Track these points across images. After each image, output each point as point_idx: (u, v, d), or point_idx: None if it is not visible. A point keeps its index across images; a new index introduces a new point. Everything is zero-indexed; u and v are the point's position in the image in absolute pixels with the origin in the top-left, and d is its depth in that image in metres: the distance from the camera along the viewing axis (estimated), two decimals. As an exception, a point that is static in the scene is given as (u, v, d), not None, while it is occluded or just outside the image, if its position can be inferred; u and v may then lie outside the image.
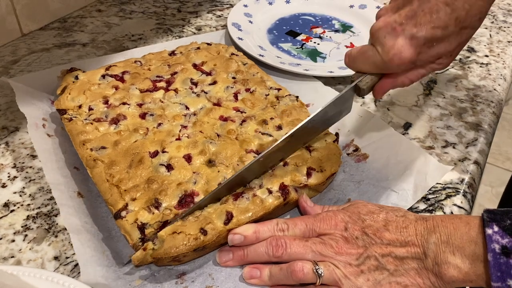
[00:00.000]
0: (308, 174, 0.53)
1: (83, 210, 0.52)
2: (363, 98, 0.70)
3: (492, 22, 0.93)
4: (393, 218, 0.46)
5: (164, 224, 0.48)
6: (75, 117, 0.58)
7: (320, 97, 0.68)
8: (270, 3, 0.91)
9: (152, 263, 0.47)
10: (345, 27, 0.87)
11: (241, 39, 0.78)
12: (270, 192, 0.50)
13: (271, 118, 0.59)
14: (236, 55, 0.72)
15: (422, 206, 0.55)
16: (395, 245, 0.44)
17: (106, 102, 0.61)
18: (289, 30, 0.85)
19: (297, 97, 0.64)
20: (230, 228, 0.47)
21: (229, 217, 0.48)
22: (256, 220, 0.49)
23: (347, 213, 0.47)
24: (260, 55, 0.75)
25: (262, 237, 0.47)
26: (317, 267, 0.44)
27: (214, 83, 0.65)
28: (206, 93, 0.63)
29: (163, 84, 0.65)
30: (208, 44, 0.74)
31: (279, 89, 0.65)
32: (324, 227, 0.47)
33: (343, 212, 0.48)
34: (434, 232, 0.43)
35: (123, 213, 0.48)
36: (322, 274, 0.44)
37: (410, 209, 0.54)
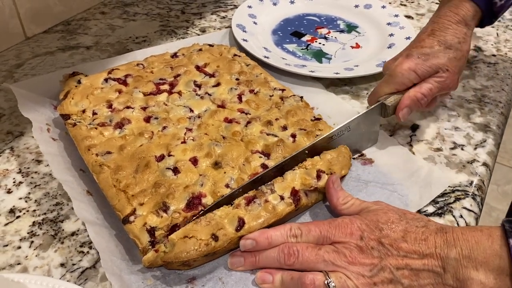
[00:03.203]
0: (318, 177, 0.52)
1: (94, 207, 0.52)
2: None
3: (499, 21, 0.91)
4: (413, 229, 0.45)
5: (174, 227, 0.47)
6: (79, 122, 0.58)
7: (324, 101, 0.68)
8: (275, 4, 0.90)
9: (162, 266, 0.47)
10: (350, 27, 0.86)
11: (245, 40, 0.78)
12: (282, 198, 0.50)
13: (276, 119, 0.59)
14: (239, 56, 0.72)
15: (430, 209, 0.54)
16: (412, 257, 0.43)
17: (110, 106, 0.60)
18: (293, 31, 0.85)
19: (301, 97, 0.63)
20: (242, 234, 0.47)
21: (241, 223, 0.47)
22: (268, 226, 0.48)
23: (365, 220, 0.46)
24: (265, 56, 0.74)
25: (274, 242, 0.46)
26: (328, 279, 0.43)
27: (217, 84, 0.65)
28: (210, 95, 0.63)
29: (166, 87, 0.64)
30: (210, 45, 0.73)
31: (283, 90, 0.65)
32: (339, 235, 0.45)
33: (360, 220, 0.46)
34: (454, 246, 0.42)
35: (131, 218, 0.48)
36: (334, 287, 0.43)
37: (419, 212, 0.53)
